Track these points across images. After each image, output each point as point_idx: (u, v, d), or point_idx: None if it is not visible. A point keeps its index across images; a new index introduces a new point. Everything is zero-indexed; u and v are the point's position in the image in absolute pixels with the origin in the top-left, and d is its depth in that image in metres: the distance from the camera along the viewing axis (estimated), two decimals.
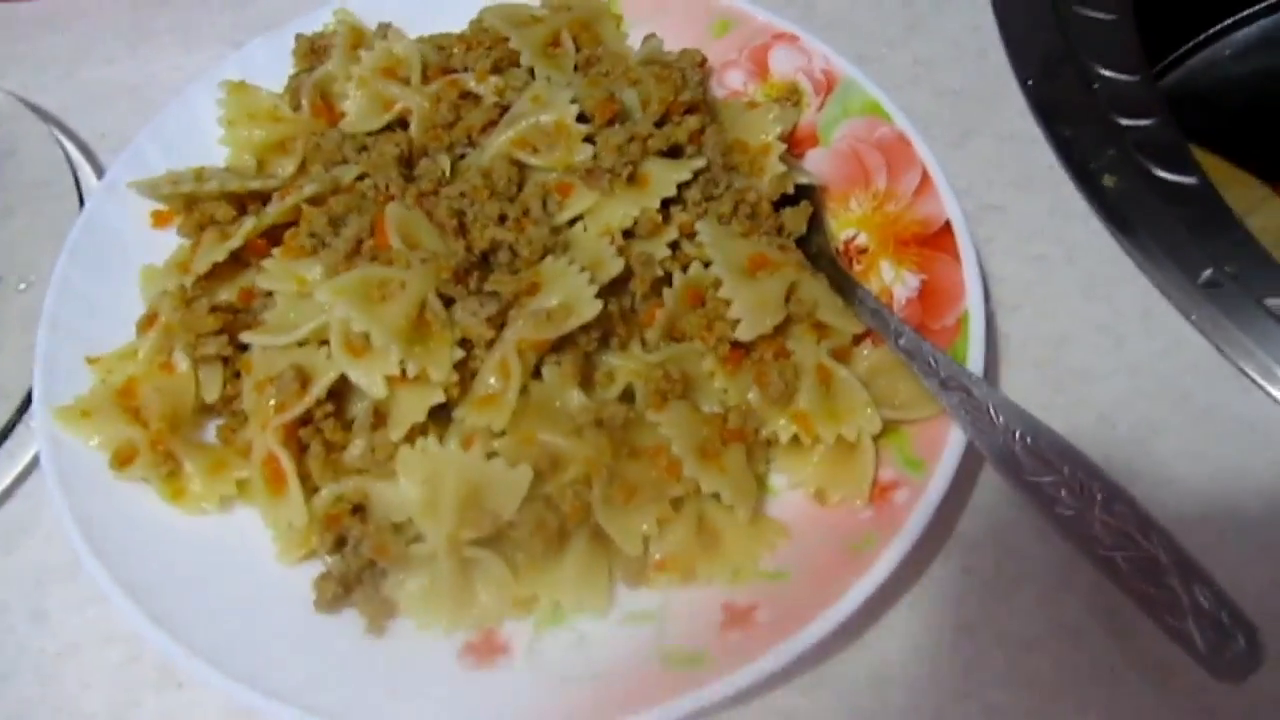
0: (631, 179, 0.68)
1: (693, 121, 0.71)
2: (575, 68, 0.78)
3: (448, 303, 0.63)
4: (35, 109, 0.87)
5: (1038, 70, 0.88)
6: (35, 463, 0.72)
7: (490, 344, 0.62)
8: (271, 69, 0.81)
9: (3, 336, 0.77)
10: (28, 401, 0.72)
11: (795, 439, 0.64)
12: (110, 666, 0.65)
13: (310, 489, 0.63)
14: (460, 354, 0.62)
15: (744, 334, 0.64)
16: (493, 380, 0.62)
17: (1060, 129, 0.84)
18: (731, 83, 0.81)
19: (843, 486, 0.63)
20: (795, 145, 0.76)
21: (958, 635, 0.63)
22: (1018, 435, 0.59)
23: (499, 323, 0.62)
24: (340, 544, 0.62)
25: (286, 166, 0.76)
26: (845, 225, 0.74)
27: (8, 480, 0.72)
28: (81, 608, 0.67)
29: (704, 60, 0.80)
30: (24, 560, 0.70)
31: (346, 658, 0.60)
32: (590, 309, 0.61)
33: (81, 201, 0.80)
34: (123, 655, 0.66)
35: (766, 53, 0.80)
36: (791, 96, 0.78)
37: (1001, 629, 0.63)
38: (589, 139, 0.69)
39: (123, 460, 0.64)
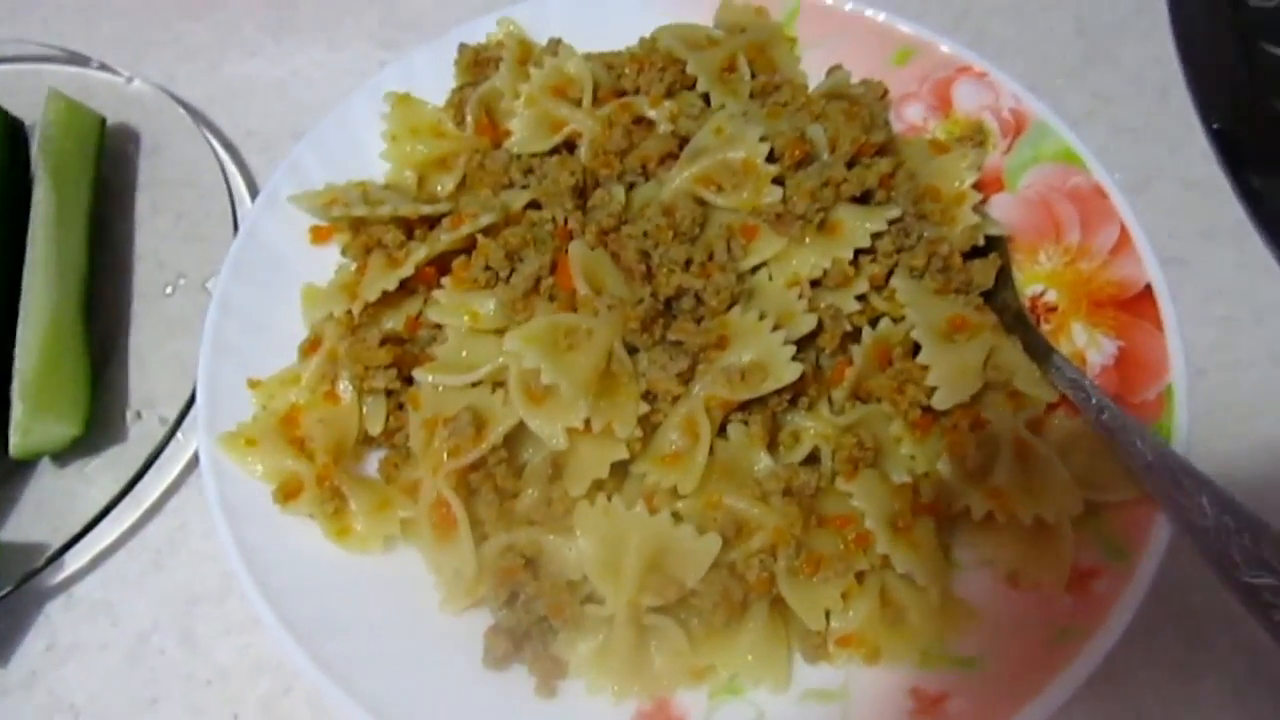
0: (822, 226, 0.65)
1: (884, 164, 0.67)
2: (750, 94, 0.74)
3: (630, 351, 0.61)
4: (181, 103, 0.84)
5: (1225, 113, 0.83)
6: (183, 477, 0.71)
7: (676, 399, 0.60)
8: (431, 79, 0.78)
9: (152, 345, 0.75)
10: (181, 416, 0.70)
11: (989, 515, 0.61)
12: (260, 697, 0.64)
13: (479, 536, 0.60)
14: (644, 408, 0.59)
15: (941, 402, 0.60)
16: (675, 436, 0.60)
17: (1249, 178, 0.80)
18: (910, 116, 0.77)
19: (1038, 570, 0.59)
20: (980, 190, 0.71)
21: None
22: (1234, 532, 0.56)
23: (687, 377, 0.59)
24: (512, 598, 0.59)
25: (446, 184, 0.73)
26: (1033, 280, 0.70)
27: (156, 494, 0.70)
28: (230, 634, 0.66)
29: (885, 93, 0.75)
30: (173, 579, 0.68)
31: (511, 717, 0.58)
32: (789, 373, 0.58)
33: (232, 203, 0.77)
34: (273, 686, 0.64)
35: (950, 87, 0.76)
36: (976, 136, 0.74)
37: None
38: (778, 180, 0.66)
39: (288, 494, 0.62)
